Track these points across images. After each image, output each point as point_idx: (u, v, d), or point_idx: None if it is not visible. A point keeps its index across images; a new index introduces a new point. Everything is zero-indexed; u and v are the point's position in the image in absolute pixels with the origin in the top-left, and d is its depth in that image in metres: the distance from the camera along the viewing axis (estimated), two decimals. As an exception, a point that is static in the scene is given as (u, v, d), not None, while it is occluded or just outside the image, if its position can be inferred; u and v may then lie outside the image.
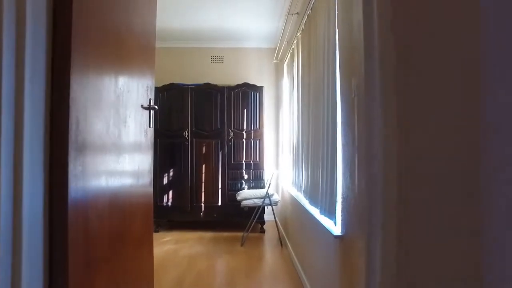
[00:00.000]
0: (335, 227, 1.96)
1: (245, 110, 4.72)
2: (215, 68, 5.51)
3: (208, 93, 4.74)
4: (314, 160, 2.52)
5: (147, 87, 1.89)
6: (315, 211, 2.48)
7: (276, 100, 5.46)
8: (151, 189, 1.97)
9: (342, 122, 1.78)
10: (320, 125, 2.30)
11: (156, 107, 1.96)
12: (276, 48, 5.12)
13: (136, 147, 1.76)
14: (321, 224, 2.15)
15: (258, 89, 4.75)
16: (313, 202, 2.55)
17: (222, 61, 5.53)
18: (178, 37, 5.25)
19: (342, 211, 1.76)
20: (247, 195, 4.10)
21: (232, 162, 4.68)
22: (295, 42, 3.68)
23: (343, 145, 1.75)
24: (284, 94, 4.67)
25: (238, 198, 4.12)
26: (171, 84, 4.75)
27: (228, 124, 4.69)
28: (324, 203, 2.15)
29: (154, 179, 4.41)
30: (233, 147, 4.68)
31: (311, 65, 2.71)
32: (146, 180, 1.89)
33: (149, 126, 1.92)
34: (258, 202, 4.06)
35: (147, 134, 1.88)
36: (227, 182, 4.66)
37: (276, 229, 4.34)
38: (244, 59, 5.53)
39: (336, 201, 1.91)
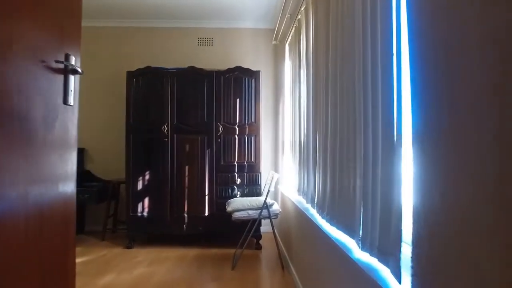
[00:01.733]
0: (390, 276, 1.13)
1: (237, 100, 3.88)
2: (203, 52, 4.65)
3: (193, 79, 3.89)
4: (341, 161, 1.69)
5: (61, 31, 1.05)
6: (343, 238, 1.66)
7: (275, 88, 4.63)
8: (72, 200, 1.16)
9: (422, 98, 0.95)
10: (356, 112, 1.48)
11: (80, 70, 1.11)
12: (275, 28, 4.29)
13: (39, 138, 0.92)
14: (354, 262, 1.33)
15: (254, 75, 3.91)
16: (339, 224, 1.73)
17: (211, 44, 4.68)
18: (158, 15, 4.39)
19: (417, 258, 0.94)
20: (240, 205, 3.26)
21: (222, 164, 3.84)
22: (301, 16, 2.85)
23: (421, 135, 0.92)
24: (286, 80, 3.84)
25: (229, 209, 3.27)
26: (148, 68, 3.88)
27: (217, 116, 3.84)
28: (368, 234, 1.32)
29: (127, 184, 3.54)
30: (223, 145, 3.84)
31: (335, 38, 1.88)
32: (61, 188, 1.06)
33: (66, 103, 1.08)
34: (254, 214, 3.23)
35: (63, 116, 1.04)
36: (216, 188, 3.82)
37: (275, 244, 3.52)
38: (238, 41, 4.69)
39: (400, 235, 1.08)
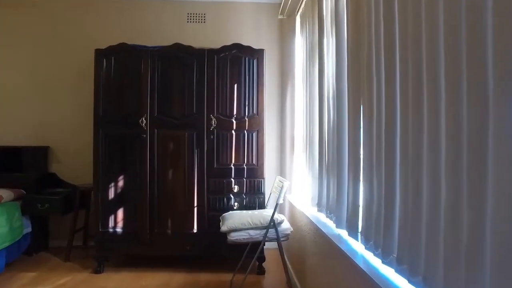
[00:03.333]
0: None
1: (235, 86, 3.07)
2: (193, 30, 3.84)
3: (179, 59, 3.07)
4: (433, 164, 0.90)
5: None
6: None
7: (280, 72, 3.82)
8: None
9: None
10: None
11: None
12: (281, 2, 3.48)
13: None
14: None
15: (256, 54, 3.09)
16: (414, 272, 0.93)
17: (203, 21, 3.86)
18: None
19: None
20: (238, 222, 2.45)
21: (215, 167, 3.02)
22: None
23: None
24: (298, 59, 3.04)
25: (223, 228, 2.46)
26: (122, 45, 3.06)
27: (210, 107, 3.03)
28: None
29: (95, 191, 2.74)
30: (216, 143, 3.03)
31: None
32: None
33: None
34: (257, 235, 2.43)
35: None
36: (207, 198, 3.01)
37: (281, 267, 2.74)
38: (235, 18, 3.87)
39: None
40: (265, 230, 2.41)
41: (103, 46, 3.09)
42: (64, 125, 3.79)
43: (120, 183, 3.04)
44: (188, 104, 3.03)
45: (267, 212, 2.57)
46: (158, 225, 3.02)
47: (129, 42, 3.12)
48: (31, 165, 3.72)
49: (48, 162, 3.79)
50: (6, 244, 3.09)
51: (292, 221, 2.81)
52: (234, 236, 2.40)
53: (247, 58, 3.08)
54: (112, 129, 3.03)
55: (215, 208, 2.99)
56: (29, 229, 3.45)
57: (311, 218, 2.23)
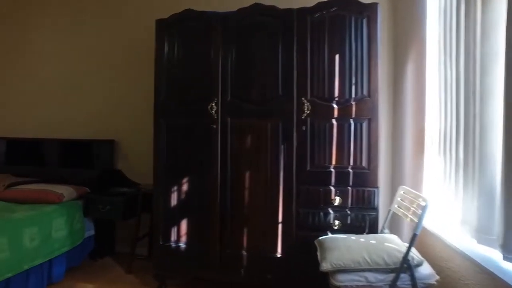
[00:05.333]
0: None
1: (336, 57, 2.19)
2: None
3: (259, 25, 2.30)
4: None
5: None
6: None
7: (394, 35, 2.79)
8: None
9: None
10: None
11: None
12: None
13: None
14: None
15: (366, 11, 2.16)
16: None
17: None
18: None
19: None
20: (348, 257, 1.58)
21: (309, 169, 2.19)
22: None
23: None
24: (431, 17, 2.04)
25: (326, 265, 1.59)
26: (188, 12, 2.40)
27: (301, 87, 2.20)
28: None
29: (155, 195, 2.15)
30: (310, 137, 2.19)
31: None
32: None
33: None
34: (379, 282, 1.53)
35: None
36: (297, 211, 2.20)
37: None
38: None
39: None
40: (394, 275, 1.51)
41: (159, 13, 2.49)
42: (127, 114, 3.32)
43: (184, 186, 2.40)
44: (271, 84, 2.25)
45: (392, 243, 1.66)
46: (231, 244, 2.30)
47: (194, 6, 2.44)
48: (97, 160, 3.35)
49: (114, 157, 3.37)
50: (65, 249, 2.70)
51: (426, 257, 1.84)
52: (342, 281, 1.53)
53: (353, 18, 2.17)
54: (174, 119, 2.41)
55: (306, 226, 2.16)
56: (91, 232, 3.05)
57: (472, 257, 1.28)
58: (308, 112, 2.17)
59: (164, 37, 2.44)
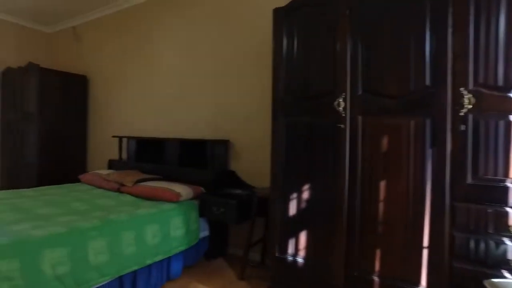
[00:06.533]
0: None
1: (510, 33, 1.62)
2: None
3: (397, 2, 1.87)
4: None
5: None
6: None
7: None
8: None
9: None
10: None
11: None
12: None
13: None
14: None
15: None
16: None
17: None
18: None
19: None
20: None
21: (470, 182, 1.66)
22: None
23: None
24: None
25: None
26: (311, -4, 2.12)
27: (459, 73, 1.69)
28: None
29: (271, 200, 1.95)
30: (473, 139, 1.66)
31: None
32: None
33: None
34: None
35: None
36: (451, 235, 1.69)
37: None
38: None
39: None
40: None
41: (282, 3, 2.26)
42: (241, 115, 3.22)
43: (305, 194, 2.11)
44: (415, 72, 1.80)
45: None
46: (358, 266, 1.93)
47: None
48: (211, 160, 3.34)
49: (228, 157, 3.32)
50: (182, 248, 2.71)
51: None
52: None
53: (542, -25, 1.57)
54: (294, 117, 2.15)
55: (466, 257, 1.64)
56: (206, 233, 3.04)
57: None
58: (471, 106, 1.65)
59: (283, 27, 2.21)
